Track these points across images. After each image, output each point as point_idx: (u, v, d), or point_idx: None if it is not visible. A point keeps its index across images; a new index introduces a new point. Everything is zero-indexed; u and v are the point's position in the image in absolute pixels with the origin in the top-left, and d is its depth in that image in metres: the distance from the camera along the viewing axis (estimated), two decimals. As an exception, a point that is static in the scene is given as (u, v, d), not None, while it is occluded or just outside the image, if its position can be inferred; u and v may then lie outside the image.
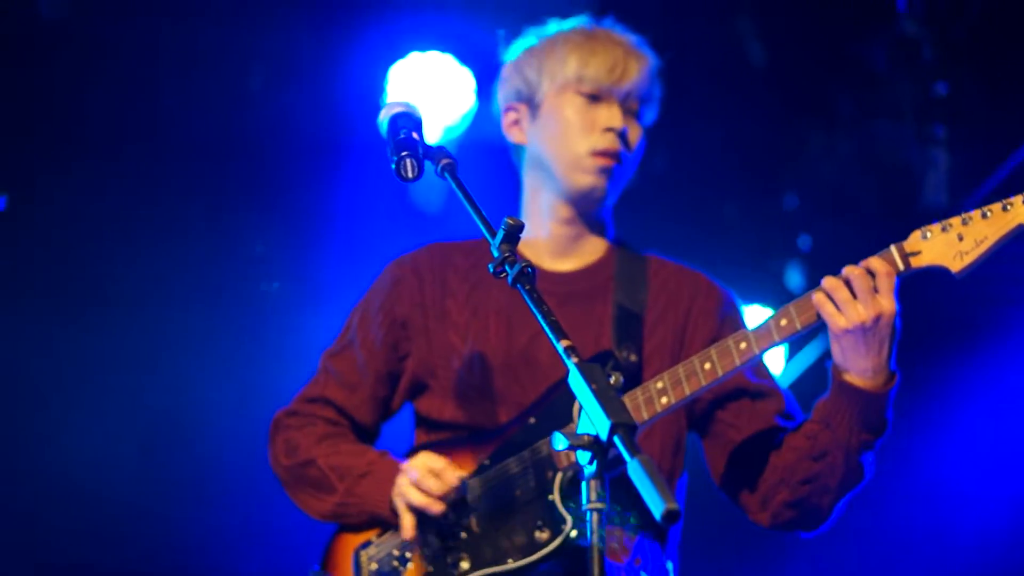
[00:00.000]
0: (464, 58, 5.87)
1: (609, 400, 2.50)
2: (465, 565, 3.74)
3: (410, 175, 3.23)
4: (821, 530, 3.85)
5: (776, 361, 6.08)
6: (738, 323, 3.99)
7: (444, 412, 3.95)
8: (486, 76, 5.69)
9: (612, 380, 2.59)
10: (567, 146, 3.95)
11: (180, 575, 5.77)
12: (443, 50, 5.86)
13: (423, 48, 5.85)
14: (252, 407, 5.39)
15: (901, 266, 3.51)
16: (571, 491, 3.68)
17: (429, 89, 5.78)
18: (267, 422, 4.14)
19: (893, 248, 3.52)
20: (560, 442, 2.53)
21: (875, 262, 3.52)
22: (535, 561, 3.66)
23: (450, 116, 5.86)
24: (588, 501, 2.52)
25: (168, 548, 5.77)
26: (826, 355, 3.64)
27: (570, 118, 3.95)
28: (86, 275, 5.84)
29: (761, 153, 6.21)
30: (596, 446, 2.51)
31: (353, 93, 5.89)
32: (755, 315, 5.91)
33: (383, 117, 3.35)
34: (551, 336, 2.70)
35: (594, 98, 3.95)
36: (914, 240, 3.50)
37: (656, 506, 2.33)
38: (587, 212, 4.04)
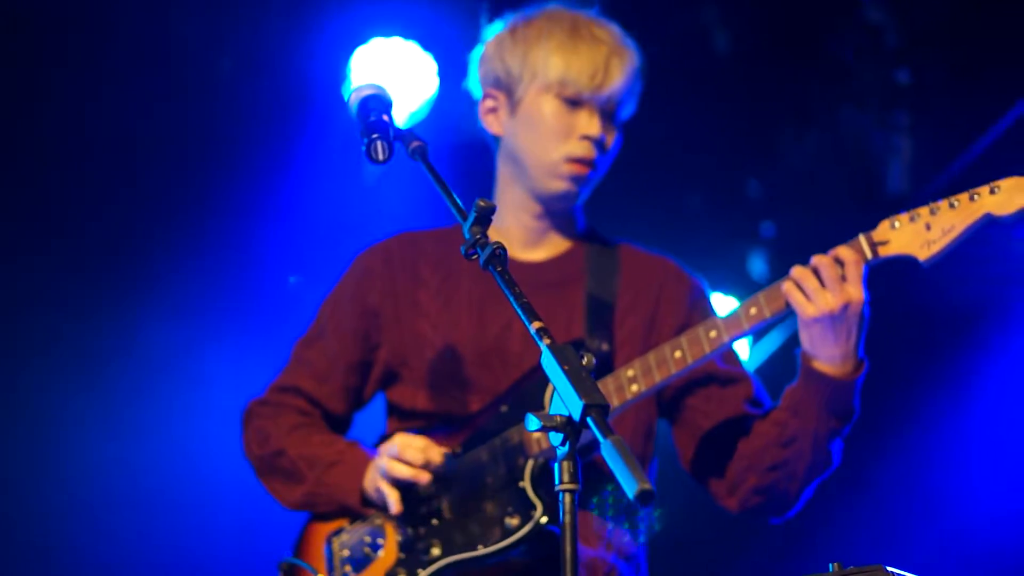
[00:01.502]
0: (428, 45, 5.83)
1: (581, 381, 2.48)
2: (436, 551, 3.75)
3: (380, 157, 3.23)
4: (788, 516, 3.88)
5: (741, 348, 6.08)
6: (707, 311, 4.01)
7: (416, 401, 3.96)
8: (449, 63, 5.71)
9: (584, 361, 2.55)
10: (543, 150, 3.92)
11: (155, 564, 5.74)
12: (407, 37, 5.82)
13: (387, 34, 5.81)
14: (220, 398, 5.38)
15: (869, 255, 3.54)
16: (542, 478, 3.70)
17: (392, 75, 5.74)
18: (237, 413, 4.15)
19: (862, 237, 3.55)
20: (532, 423, 2.52)
21: (843, 251, 3.55)
22: (505, 547, 3.68)
23: (412, 102, 5.83)
24: (560, 482, 2.49)
25: (140, 536, 5.74)
26: (791, 341, 3.66)
27: (548, 122, 3.91)
28: (46, 268, 5.79)
29: (724, 141, 6.20)
30: (569, 427, 2.49)
31: (318, 78, 5.85)
32: (718, 303, 5.93)
33: (354, 100, 3.33)
34: (523, 318, 2.69)
35: (574, 103, 3.91)
36: (883, 229, 3.55)
37: (629, 487, 2.32)
38: (557, 211, 4.04)
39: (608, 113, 3.94)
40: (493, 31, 4.09)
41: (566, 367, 2.51)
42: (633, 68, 3.98)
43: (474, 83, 4.11)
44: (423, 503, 3.78)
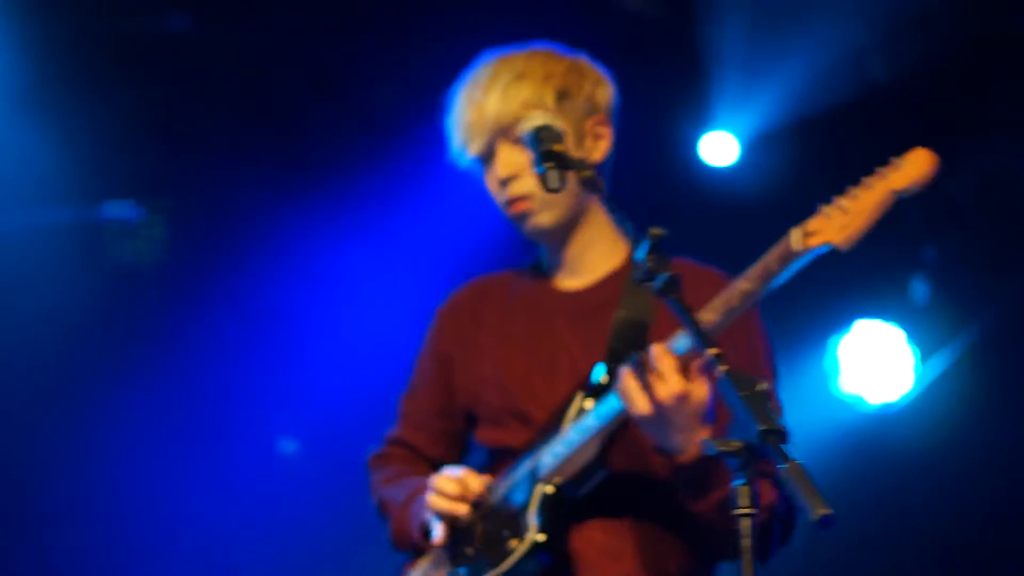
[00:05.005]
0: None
1: (758, 407, 2.59)
2: None
3: (555, 186, 3.44)
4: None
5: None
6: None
7: (489, 438, 4.10)
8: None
9: (759, 387, 2.63)
10: (498, 206, 4.02)
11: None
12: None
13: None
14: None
15: (800, 247, 3.47)
16: (547, 501, 3.79)
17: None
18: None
19: (792, 231, 3.51)
20: (709, 449, 2.65)
21: (655, 346, 3.51)
22: (506, 570, 3.78)
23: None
24: (738, 506, 2.61)
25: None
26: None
27: (484, 185, 4.02)
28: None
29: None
30: (746, 452, 2.60)
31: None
32: (873, 331, 5.92)
33: (528, 129, 3.52)
34: (699, 344, 2.81)
35: (482, 160, 3.98)
36: (813, 221, 3.50)
37: (809, 512, 2.44)
38: (561, 243, 4.04)
39: (518, 140, 3.84)
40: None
41: (743, 393, 2.63)
42: (522, 95, 3.85)
43: None
44: (463, 533, 3.92)
